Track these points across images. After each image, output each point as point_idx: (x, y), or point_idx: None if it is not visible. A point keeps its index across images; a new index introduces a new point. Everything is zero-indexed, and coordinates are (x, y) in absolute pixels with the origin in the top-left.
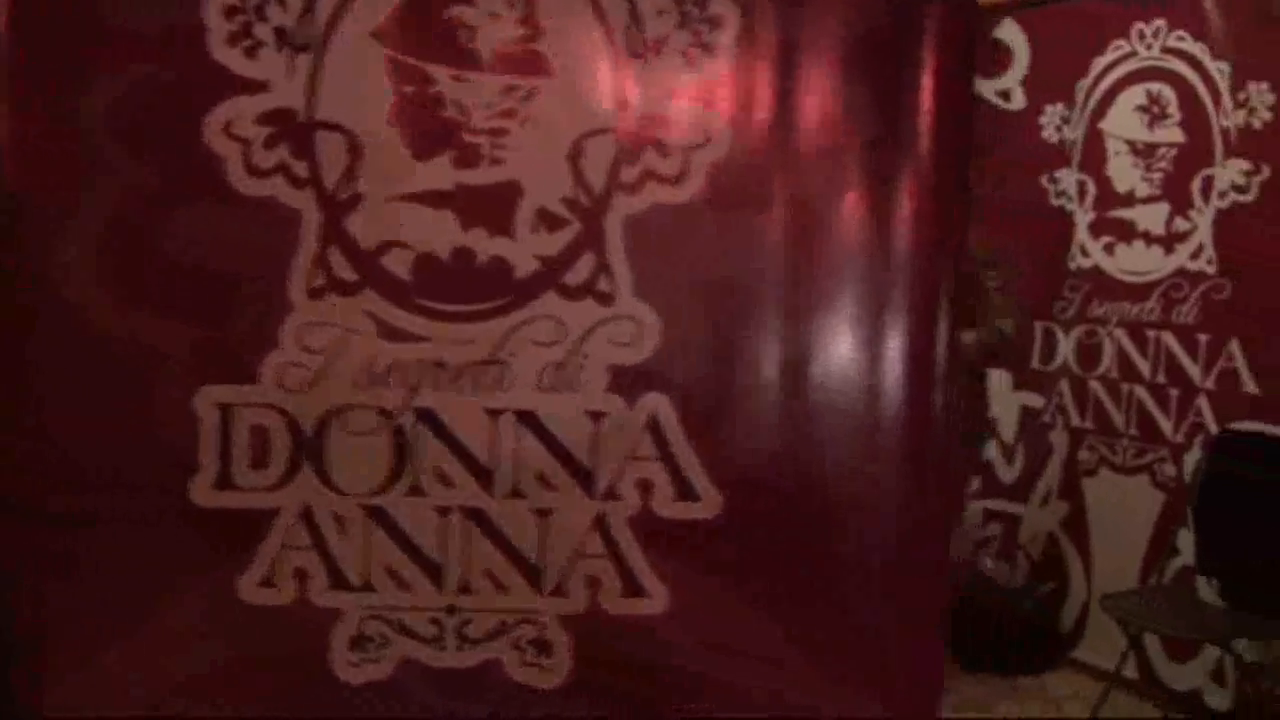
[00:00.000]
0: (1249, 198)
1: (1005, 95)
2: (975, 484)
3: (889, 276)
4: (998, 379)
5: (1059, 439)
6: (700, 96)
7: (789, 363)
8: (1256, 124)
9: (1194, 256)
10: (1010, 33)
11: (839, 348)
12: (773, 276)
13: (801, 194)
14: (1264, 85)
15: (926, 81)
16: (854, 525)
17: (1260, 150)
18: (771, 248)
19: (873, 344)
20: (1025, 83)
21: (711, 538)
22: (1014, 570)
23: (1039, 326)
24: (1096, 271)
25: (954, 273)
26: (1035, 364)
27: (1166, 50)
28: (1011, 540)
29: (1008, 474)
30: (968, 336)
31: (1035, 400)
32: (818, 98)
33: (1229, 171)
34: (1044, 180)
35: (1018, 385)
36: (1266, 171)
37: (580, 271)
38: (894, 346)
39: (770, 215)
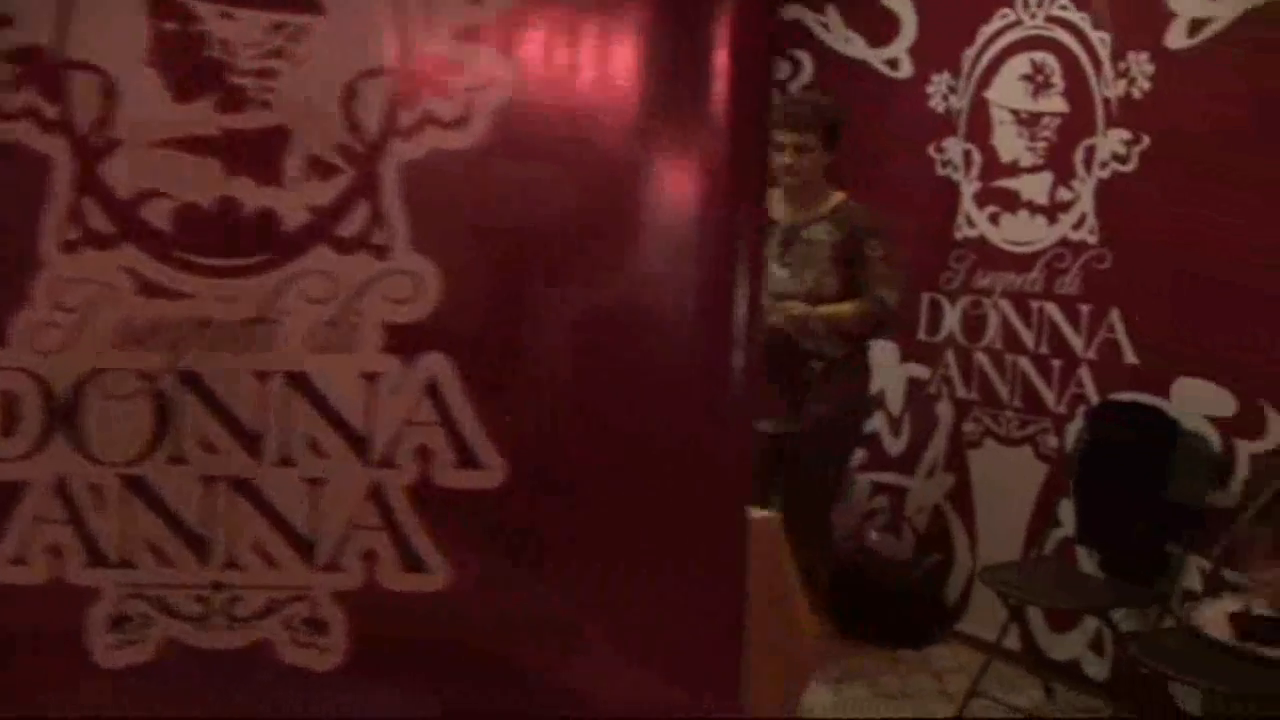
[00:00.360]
0: (1129, 168)
1: (893, 64)
2: (862, 456)
3: (684, 230)
4: (883, 350)
5: (944, 410)
6: (484, 36)
7: (578, 321)
8: (1136, 94)
9: (1076, 226)
10: (898, 1)
11: (631, 305)
12: (561, 228)
13: (591, 142)
14: (1143, 55)
15: (721, 26)
16: (647, 493)
17: (1140, 120)
18: (560, 198)
19: (667, 301)
20: (912, 51)
21: (496, 508)
22: (900, 542)
23: (926, 297)
24: (981, 242)
25: (754, 228)
26: (922, 335)
27: (1050, 19)
28: (898, 513)
29: (894, 446)
30: (846, 308)
31: (921, 372)
32: (609, 39)
33: (1110, 141)
34: (931, 150)
35: (904, 356)
36: (1146, 141)
37: (354, 223)
38: (689, 305)
39: (559, 163)
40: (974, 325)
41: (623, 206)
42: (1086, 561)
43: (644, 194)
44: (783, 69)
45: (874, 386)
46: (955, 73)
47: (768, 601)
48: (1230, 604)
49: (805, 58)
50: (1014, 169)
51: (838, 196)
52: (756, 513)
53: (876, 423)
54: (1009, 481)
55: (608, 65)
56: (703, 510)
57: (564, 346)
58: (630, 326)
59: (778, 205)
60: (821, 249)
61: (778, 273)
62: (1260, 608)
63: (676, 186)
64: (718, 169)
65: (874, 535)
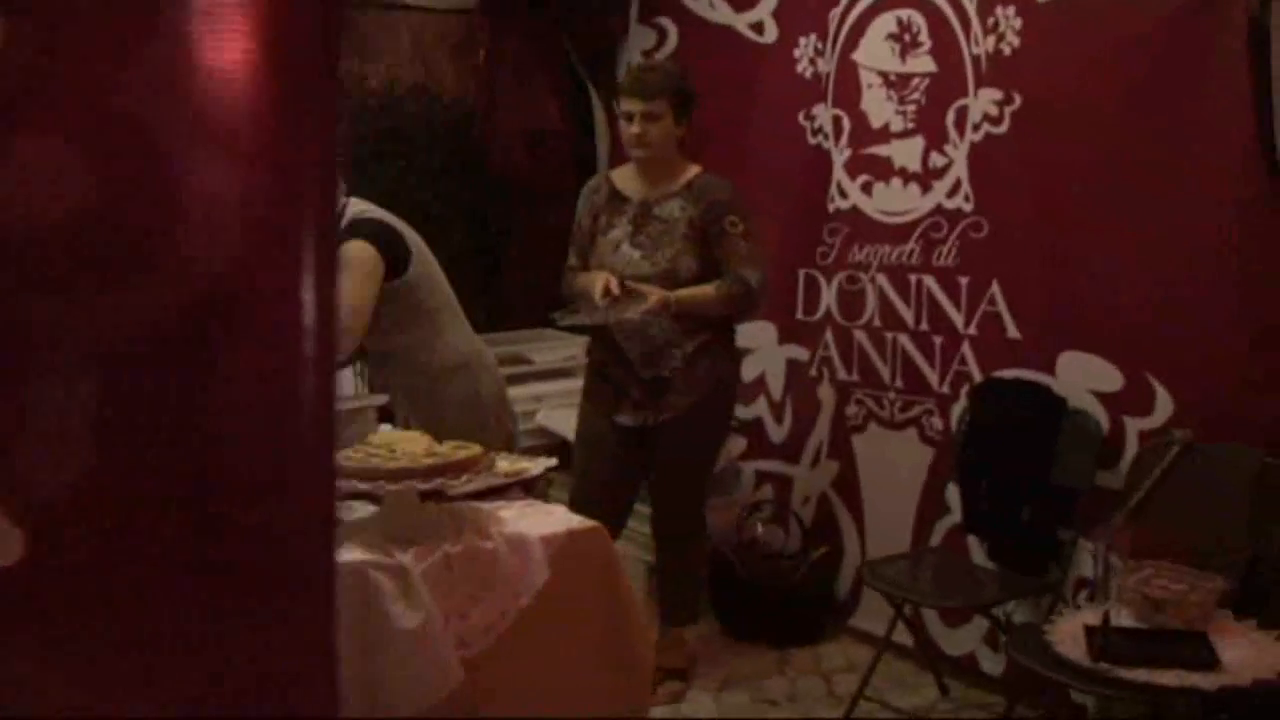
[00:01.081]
0: (1002, 129)
1: (758, 28)
2: (745, 444)
3: (231, 227)
4: (761, 331)
5: (826, 394)
6: None
7: (100, 344)
8: (1006, 50)
9: (951, 194)
10: None
11: (166, 320)
12: (69, 228)
13: (109, 110)
14: (1011, 9)
15: None
16: (205, 546)
17: (1010, 78)
18: (65, 187)
19: (210, 314)
20: (777, 14)
21: (16, 594)
22: (787, 535)
23: (802, 274)
24: (855, 213)
25: (321, 214)
26: (800, 314)
27: None
28: (785, 503)
29: (778, 433)
30: (707, 290)
31: (801, 353)
32: None
33: (981, 102)
34: (801, 118)
35: (783, 338)
36: (1018, 101)
37: None
38: (239, 317)
39: (61, 141)
40: (852, 302)
41: (151, 196)
42: (978, 550)
43: (181, 179)
44: (648, 37)
45: (753, 370)
46: (823, 35)
47: (600, 614)
48: (1090, 615)
49: (670, 25)
50: (885, 134)
51: (692, 170)
52: (583, 522)
53: (759, 408)
54: (895, 467)
55: (119, 5)
56: (275, 556)
57: (84, 378)
58: (166, 347)
59: (629, 181)
60: (676, 226)
61: (630, 254)
62: (1123, 618)
63: (220, 169)
64: (271, 150)
65: (760, 528)
